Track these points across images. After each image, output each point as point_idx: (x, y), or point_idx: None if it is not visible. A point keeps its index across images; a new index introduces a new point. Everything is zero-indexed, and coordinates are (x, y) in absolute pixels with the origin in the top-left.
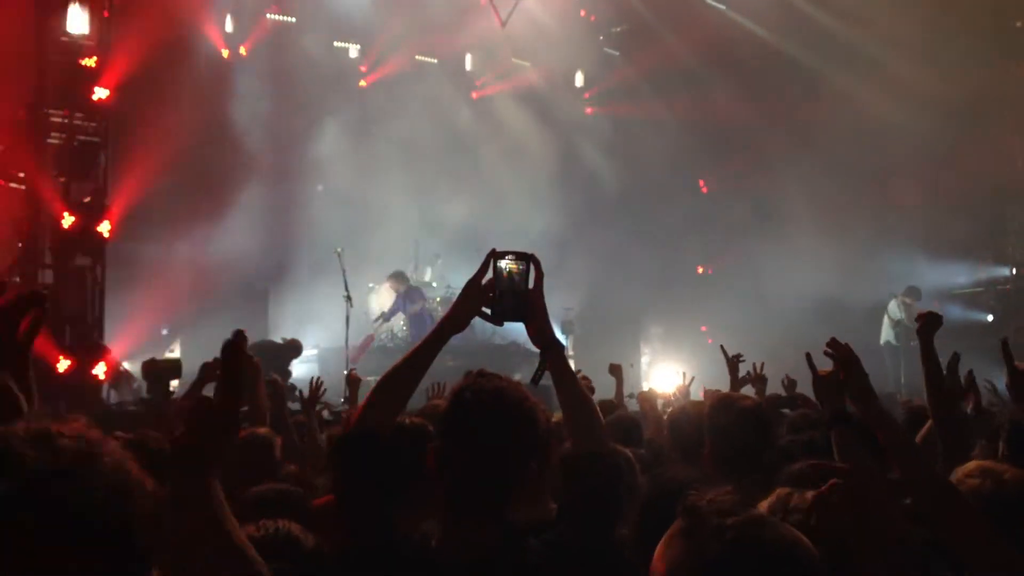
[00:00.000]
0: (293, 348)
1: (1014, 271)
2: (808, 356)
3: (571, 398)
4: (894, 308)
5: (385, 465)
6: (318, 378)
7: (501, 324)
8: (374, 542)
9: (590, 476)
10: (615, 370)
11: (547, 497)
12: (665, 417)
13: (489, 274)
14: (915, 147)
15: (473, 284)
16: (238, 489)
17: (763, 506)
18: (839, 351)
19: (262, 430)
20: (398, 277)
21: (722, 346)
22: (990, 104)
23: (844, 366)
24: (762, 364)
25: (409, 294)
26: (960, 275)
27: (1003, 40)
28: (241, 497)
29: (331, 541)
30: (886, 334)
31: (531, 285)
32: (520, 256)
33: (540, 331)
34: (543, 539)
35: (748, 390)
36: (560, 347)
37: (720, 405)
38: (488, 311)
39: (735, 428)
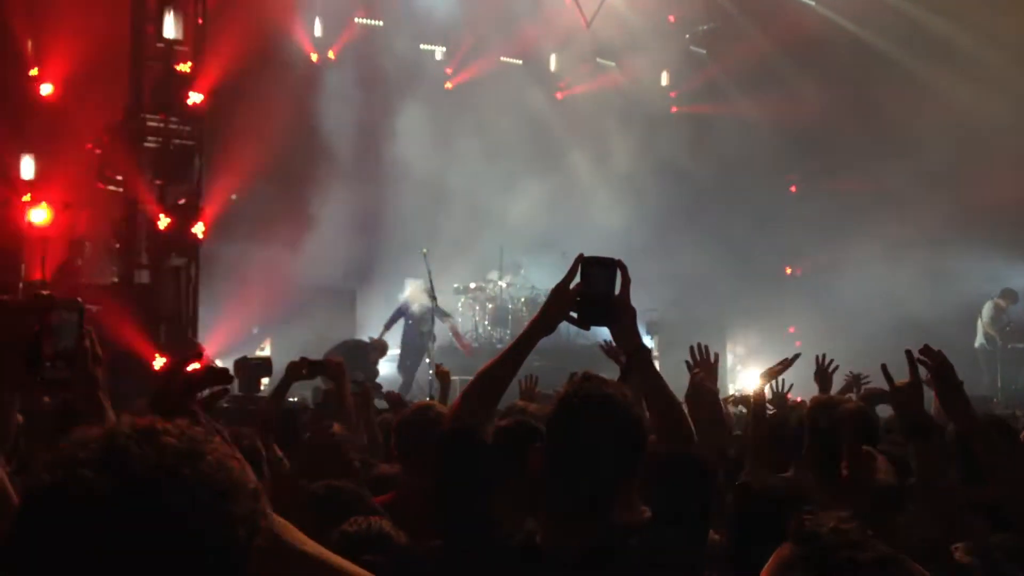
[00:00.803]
0: (379, 348)
1: None
2: (884, 367)
3: (659, 401)
4: (988, 311)
5: (485, 462)
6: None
7: (588, 328)
8: (477, 539)
9: (684, 478)
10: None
11: (638, 499)
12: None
13: (577, 279)
14: (1008, 146)
15: (561, 289)
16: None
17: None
18: (932, 358)
19: (337, 428)
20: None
21: (817, 356)
22: None
23: (936, 373)
24: (831, 363)
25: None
26: None
27: None
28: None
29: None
30: (980, 337)
31: (617, 290)
32: (607, 261)
33: (626, 335)
34: (643, 539)
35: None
36: (647, 351)
37: (822, 407)
38: (575, 315)
39: (838, 431)
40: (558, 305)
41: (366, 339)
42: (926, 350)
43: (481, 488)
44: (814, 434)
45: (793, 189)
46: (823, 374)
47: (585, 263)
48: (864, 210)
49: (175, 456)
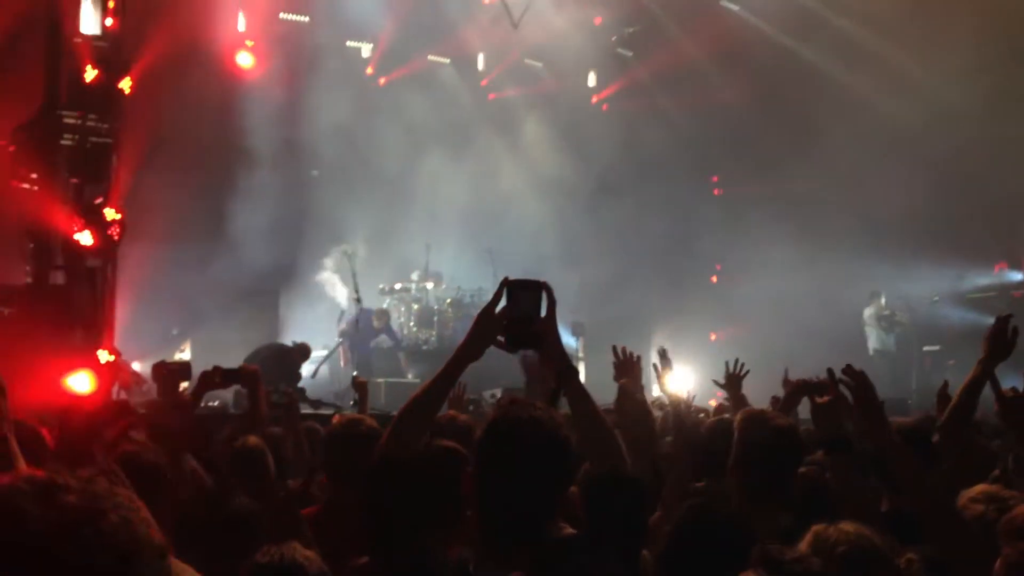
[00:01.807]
0: (301, 352)
1: None
2: (805, 382)
3: (588, 422)
4: (869, 316)
5: (416, 491)
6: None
7: (515, 352)
8: (410, 567)
9: (616, 497)
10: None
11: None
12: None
13: (503, 302)
14: (928, 150)
15: (487, 313)
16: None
17: (804, 547)
18: (853, 377)
19: (252, 440)
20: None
21: (727, 362)
22: (1005, 107)
23: (856, 394)
24: (742, 365)
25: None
26: (973, 279)
27: (1015, 41)
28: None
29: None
30: (873, 341)
31: (544, 312)
32: (533, 284)
33: (554, 357)
34: (575, 562)
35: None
36: (575, 372)
37: (753, 421)
38: (502, 339)
39: (768, 447)
40: (485, 329)
41: (289, 343)
42: (848, 370)
43: (413, 515)
44: (743, 448)
45: (717, 192)
46: (732, 379)
47: (511, 286)
48: (784, 213)
49: (75, 516)
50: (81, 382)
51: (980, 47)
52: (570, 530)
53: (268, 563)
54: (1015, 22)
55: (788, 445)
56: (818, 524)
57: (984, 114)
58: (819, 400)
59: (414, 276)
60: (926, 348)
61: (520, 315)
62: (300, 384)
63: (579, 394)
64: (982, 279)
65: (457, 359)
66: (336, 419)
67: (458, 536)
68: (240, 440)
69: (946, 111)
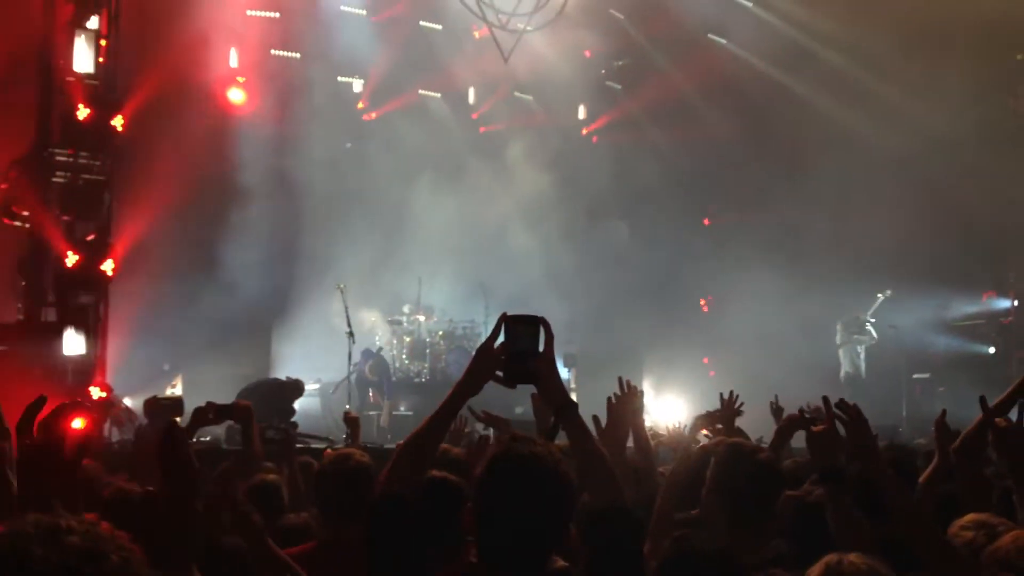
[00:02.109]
0: (295, 388)
1: (1015, 303)
2: (801, 412)
3: (587, 456)
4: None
5: (416, 528)
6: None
7: (514, 387)
8: None
9: (613, 532)
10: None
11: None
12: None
13: (501, 338)
14: (916, 181)
15: (485, 349)
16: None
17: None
18: (848, 412)
19: (270, 477)
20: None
21: (721, 394)
22: (992, 138)
23: (851, 428)
24: (737, 397)
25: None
26: (961, 307)
27: (1002, 73)
28: None
29: None
30: (846, 366)
31: (541, 347)
32: (530, 319)
33: (552, 392)
34: None
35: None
36: (573, 406)
37: (733, 453)
38: (500, 374)
39: (747, 480)
40: (483, 365)
41: (283, 378)
42: (842, 403)
43: (413, 553)
44: (721, 481)
45: (707, 222)
46: (728, 412)
47: (508, 321)
48: (773, 244)
49: (78, 557)
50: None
51: (967, 79)
52: (562, 563)
53: None
54: (1002, 54)
55: (770, 475)
56: (824, 553)
57: (971, 145)
58: (815, 429)
59: (406, 309)
60: (916, 376)
61: (518, 350)
62: (293, 419)
63: (578, 428)
64: (970, 307)
65: (456, 394)
66: (327, 454)
67: (459, 570)
68: (259, 476)
69: (933, 142)
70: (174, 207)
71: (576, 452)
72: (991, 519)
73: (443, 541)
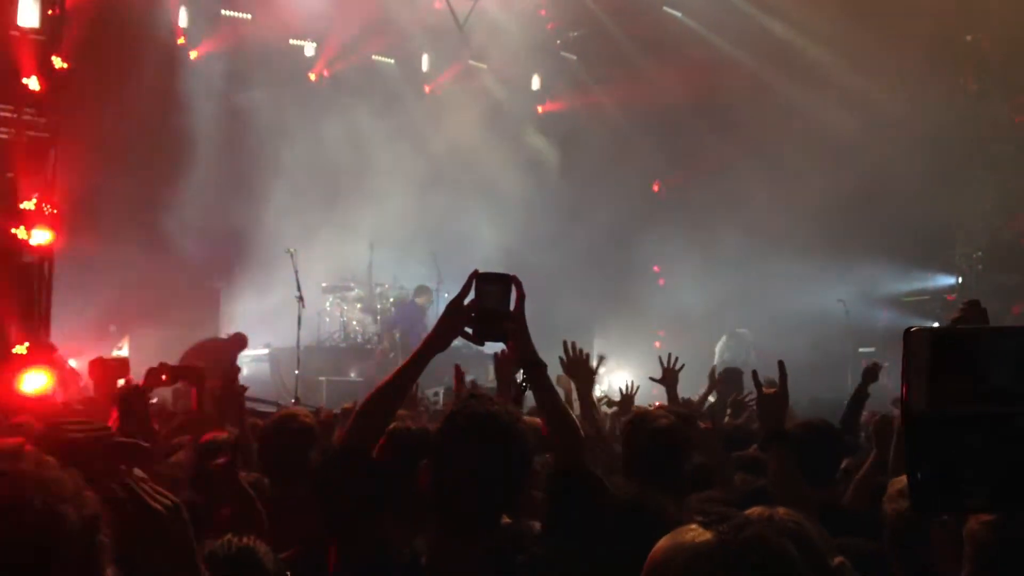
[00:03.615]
0: (237, 342)
1: (959, 280)
2: (755, 373)
3: (554, 417)
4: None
5: (374, 481)
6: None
7: (483, 344)
8: (365, 561)
9: (575, 495)
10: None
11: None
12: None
13: (471, 295)
14: (868, 157)
15: (455, 305)
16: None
17: None
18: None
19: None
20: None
21: (660, 357)
22: (944, 117)
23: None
24: (676, 359)
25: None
26: (908, 282)
27: (953, 53)
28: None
29: None
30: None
31: (512, 306)
32: (502, 277)
33: (522, 351)
34: (530, 555)
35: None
36: (543, 366)
37: (636, 423)
38: (470, 331)
39: (648, 446)
40: (453, 321)
41: (222, 335)
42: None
43: (370, 507)
44: (628, 447)
45: (656, 188)
46: (669, 374)
47: (479, 279)
48: (721, 214)
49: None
50: (33, 381)
51: (918, 58)
52: (536, 525)
53: (225, 554)
54: (953, 34)
55: (670, 442)
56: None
57: (923, 123)
58: (767, 391)
59: (360, 274)
60: (861, 349)
61: (488, 308)
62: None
63: (545, 388)
64: (916, 283)
65: (422, 351)
66: (273, 415)
67: (414, 528)
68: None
69: (886, 119)
70: (121, 167)
71: (543, 411)
72: None
73: (399, 499)
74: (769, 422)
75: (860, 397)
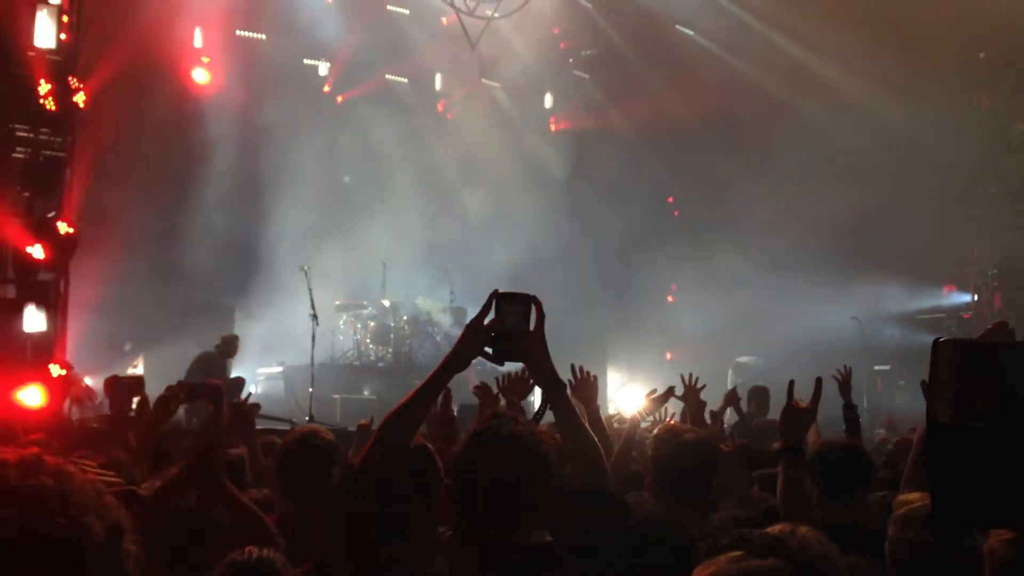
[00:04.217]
0: (227, 345)
1: (975, 297)
2: (791, 383)
3: (576, 438)
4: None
5: (395, 502)
6: (248, 395)
7: (502, 364)
8: None
9: (600, 516)
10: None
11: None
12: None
13: (491, 315)
14: (880, 175)
15: (475, 325)
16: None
17: None
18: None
19: (235, 451)
20: None
21: (682, 375)
22: (954, 133)
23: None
24: (697, 379)
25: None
26: (922, 300)
27: (966, 71)
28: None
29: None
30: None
31: (532, 326)
32: (521, 297)
33: (542, 371)
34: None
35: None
36: (563, 386)
37: (664, 437)
38: (490, 351)
39: (677, 461)
40: (472, 341)
41: (211, 348)
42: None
43: (390, 527)
44: (656, 464)
45: (676, 214)
46: (691, 392)
47: (499, 299)
48: (732, 233)
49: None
50: (32, 396)
51: (932, 77)
52: (549, 538)
53: (243, 562)
54: (965, 52)
55: (699, 455)
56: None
57: (936, 141)
58: (798, 404)
59: (372, 293)
60: (877, 367)
61: (508, 327)
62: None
63: (566, 408)
64: (931, 301)
65: (442, 370)
66: (293, 431)
67: (433, 549)
68: (225, 451)
69: (898, 137)
70: (137, 186)
71: (564, 432)
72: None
73: (417, 518)
74: (790, 435)
75: (850, 416)
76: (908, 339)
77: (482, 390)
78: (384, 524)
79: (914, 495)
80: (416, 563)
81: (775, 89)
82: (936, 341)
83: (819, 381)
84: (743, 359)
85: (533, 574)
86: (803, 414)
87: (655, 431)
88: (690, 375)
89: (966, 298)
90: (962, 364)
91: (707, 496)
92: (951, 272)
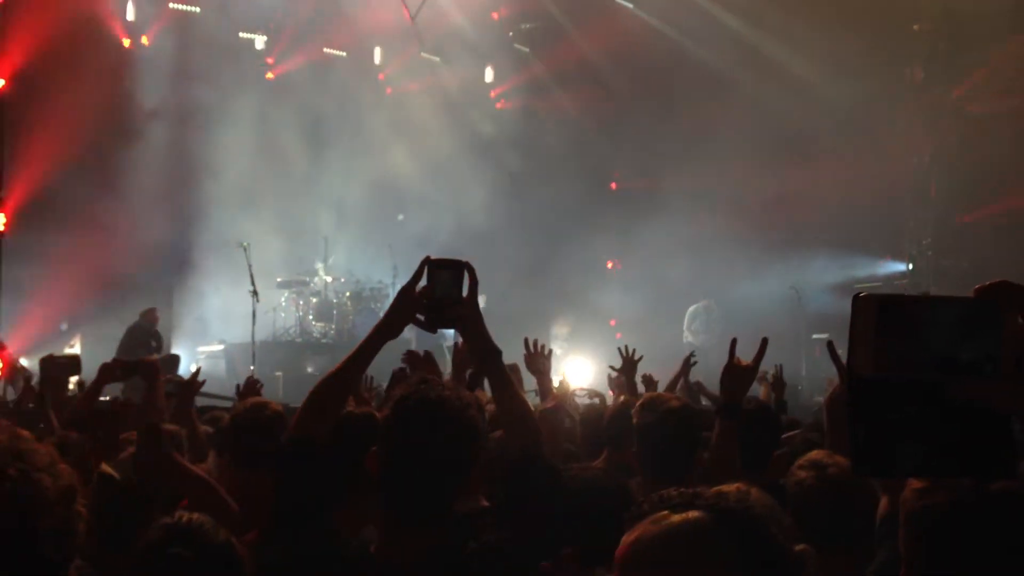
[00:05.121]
0: (148, 317)
1: (910, 266)
2: (733, 341)
3: (510, 405)
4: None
5: (324, 471)
6: (197, 370)
7: (435, 331)
8: (312, 550)
9: (531, 481)
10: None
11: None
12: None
13: (423, 281)
14: (817, 147)
15: (407, 292)
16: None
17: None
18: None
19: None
20: None
21: (619, 348)
22: (891, 107)
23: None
24: (634, 351)
25: None
26: (859, 269)
27: (899, 44)
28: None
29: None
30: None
31: (465, 292)
32: (454, 263)
33: (475, 338)
34: (482, 543)
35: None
36: (498, 353)
37: (647, 405)
38: (422, 318)
39: (659, 429)
40: (404, 308)
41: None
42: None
43: (320, 497)
44: (640, 431)
45: (614, 186)
46: (628, 365)
47: (431, 265)
48: (673, 207)
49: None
50: None
51: (866, 49)
52: (485, 503)
53: (170, 523)
54: (899, 25)
55: (680, 423)
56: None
57: (870, 113)
58: (741, 363)
59: (314, 268)
60: (815, 336)
61: (441, 294)
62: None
63: (500, 375)
64: (867, 270)
65: (373, 337)
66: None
67: (363, 517)
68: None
69: (834, 110)
70: (69, 162)
71: (498, 399)
72: (826, 458)
73: (350, 487)
74: (732, 394)
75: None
76: (845, 308)
77: (412, 356)
78: (312, 493)
79: (809, 458)
80: (345, 531)
81: (714, 63)
82: (856, 296)
83: (764, 341)
84: (695, 307)
85: (464, 539)
86: (744, 371)
87: (639, 401)
88: (626, 347)
89: (901, 267)
90: (881, 318)
91: (691, 466)
92: (886, 242)
